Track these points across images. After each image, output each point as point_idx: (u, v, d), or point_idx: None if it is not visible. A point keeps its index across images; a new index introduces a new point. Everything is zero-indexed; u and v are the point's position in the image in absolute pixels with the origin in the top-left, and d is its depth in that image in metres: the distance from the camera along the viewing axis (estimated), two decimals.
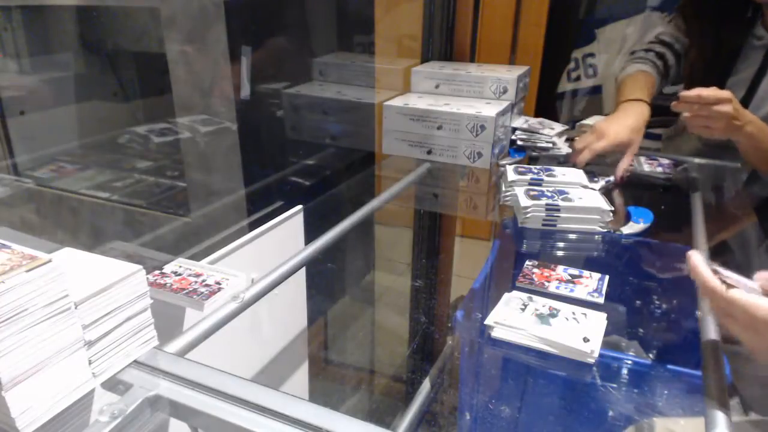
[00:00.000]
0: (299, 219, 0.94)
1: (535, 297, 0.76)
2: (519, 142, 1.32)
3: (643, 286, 0.89)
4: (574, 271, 0.84)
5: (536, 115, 1.44)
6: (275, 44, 1.24)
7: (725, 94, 0.96)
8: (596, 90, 2.12)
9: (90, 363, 0.48)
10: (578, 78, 2.14)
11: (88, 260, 0.51)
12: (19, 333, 0.41)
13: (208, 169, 1.13)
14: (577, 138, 1.21)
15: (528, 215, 0.95)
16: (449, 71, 1.34)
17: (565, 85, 2.16)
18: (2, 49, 1.32)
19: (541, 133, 1.30)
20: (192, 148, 1.12)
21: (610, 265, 0.90)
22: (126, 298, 0.50)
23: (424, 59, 1.48)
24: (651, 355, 0.78)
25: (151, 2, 1.08)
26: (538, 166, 1.10)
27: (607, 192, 1.08)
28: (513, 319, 0.70)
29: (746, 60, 1.14)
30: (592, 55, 2.09)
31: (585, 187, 1.03)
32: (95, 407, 0.49)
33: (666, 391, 0.67)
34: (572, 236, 0.95)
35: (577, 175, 1.06)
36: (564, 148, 1.27)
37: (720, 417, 0.50)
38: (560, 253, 0.95)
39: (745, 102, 1.13)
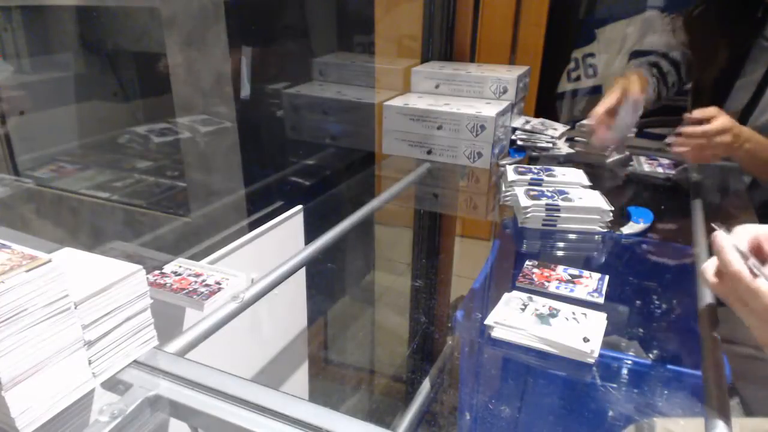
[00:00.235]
0: (299, 219, 0.94)
1: (535, 297, 0.76)
2: (519, 142, 1.32)
3: (643, 286, 0.89)
4: (574, 271, 0.84)
5: (536, 115, 1.44)
6: (275, 44, 1.24)
7: (725, 123, 0.97)
8: (596, 90, 2.12)
9: (90, 363, 0.48)
10: (578, 78, 2.14)
11: (88, 260, 0.51)
12: (19, 333, 0.41)
13: (208, 169, 1.13)
14: (577, 138, 1.20)
15: (528, 215, 0.95)
16: (449, 71, 1.34)
17: (565, 85, 2.16)
18: (2, 49, 1.32)
19: (544, 134, 1.31)
20: (192, 148, 1.12)
21: (610, 265, 0.90)
22: (126, 298, 0.50)
23: (424, 59, 1.48)
24: (651, 355, 0.78)
25: (151, 2, 1.08)
26: (538, 166, 1.10)
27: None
28: (513, 319, 0.70)
29: (754, 62, 1.14)
30: (592, 55, 2.09)
31: (585, 187, 1.03)
32: (95, 407, 0.49)
33: (666, 391, 0.67)
34: (572, 236, 0.95)
35: (577, 175, 1.06)
36: (564, 148, 1.27)
37: (720, 417, 0.50)
38: (560, 253, 0.95)
39: (752, 105, 1.12)
